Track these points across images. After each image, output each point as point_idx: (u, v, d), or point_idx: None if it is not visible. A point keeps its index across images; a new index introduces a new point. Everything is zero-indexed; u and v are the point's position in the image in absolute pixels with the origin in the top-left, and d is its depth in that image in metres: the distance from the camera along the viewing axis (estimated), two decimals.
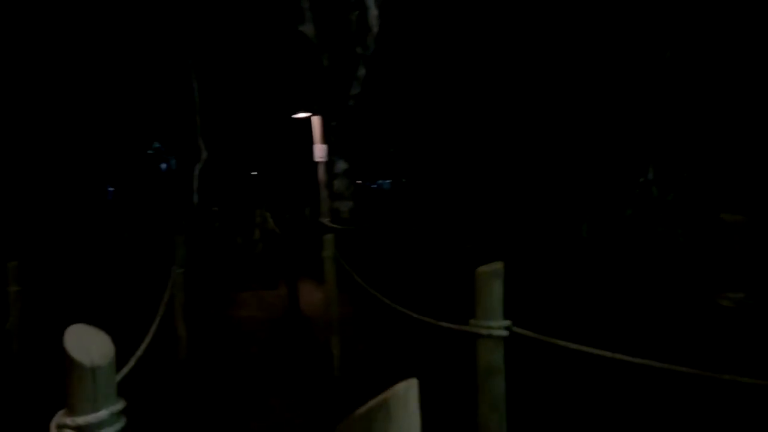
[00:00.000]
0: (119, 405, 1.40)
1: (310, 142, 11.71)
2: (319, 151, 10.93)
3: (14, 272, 4.34)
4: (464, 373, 2.42)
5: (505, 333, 2.29)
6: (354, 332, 5.96)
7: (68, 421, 1.34)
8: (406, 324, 4.21)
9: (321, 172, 11.23)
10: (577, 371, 4.02)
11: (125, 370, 2.26)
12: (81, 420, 1.32)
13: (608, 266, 7.97)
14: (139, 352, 2.70)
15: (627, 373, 3.17)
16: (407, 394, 0.70)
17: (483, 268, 2.30)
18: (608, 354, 2.18)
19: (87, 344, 1.48)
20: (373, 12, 14.19)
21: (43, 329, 6.13)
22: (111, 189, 38.86)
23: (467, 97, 16.45)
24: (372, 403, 0.71)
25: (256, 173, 31.26)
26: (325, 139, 11.24)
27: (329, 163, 11.62)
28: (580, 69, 12.66)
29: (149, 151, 32.49)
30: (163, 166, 36.09)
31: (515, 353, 2.50)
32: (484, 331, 2.27)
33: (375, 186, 32.15)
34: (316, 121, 11.18)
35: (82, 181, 26.81)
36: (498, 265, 2.31)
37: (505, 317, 2.30)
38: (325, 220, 10.82)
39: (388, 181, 33.86)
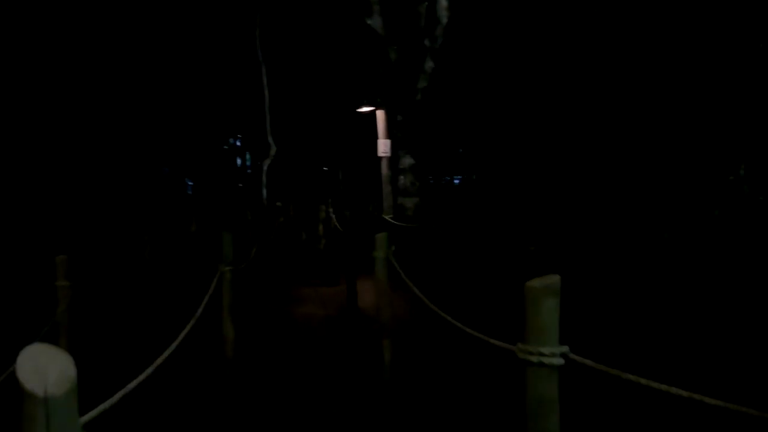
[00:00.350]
0: None
1: (374, 138, 11.50)
2: (383, 146, 10.70)
3: (63, 267, 4.32)
4: (518, 395, 2.09)
5: (559, 361, 1.91)
6: (408, 336, 5.65)
7: None
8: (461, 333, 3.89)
9: (384, 168, 11.00)
10: (650, 408, 3.54)
11: (132, 384, 2.06)
12: None
13: (695, 275, 7.26)
14: (158, 360, 2.51)
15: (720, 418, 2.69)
16: None
17: (534, 283, 1.93)
18: (685, 393, 1.76)
19: (44, 369, 1.24)
20: (443, 3, 13.79)
21: (92, 324, 6.23)
22: (190, 183, 40.49)
23: (541, 92, 15.74)
24: None
25: (327, 169, 31.55)
26: (390, 133, 11.00)
27: (394, 159, 11.37)
28: (663, 61, 11.76)
29: (225, 147, 33.53)
30: (239, 161, 37.20)
31: (577, 382, 2.12)
32: (534, 359, 1.91)
33: (445, 181, 31.68)
34: (380, 116, 10.95)
35: (162, 175, 27.97)
36: (552, 279, 1.93)
37: (571, 337, 1.93)
38: (388, 217, 10.57)
39: (458, 177, 33.31)
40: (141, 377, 2.54)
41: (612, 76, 13.11)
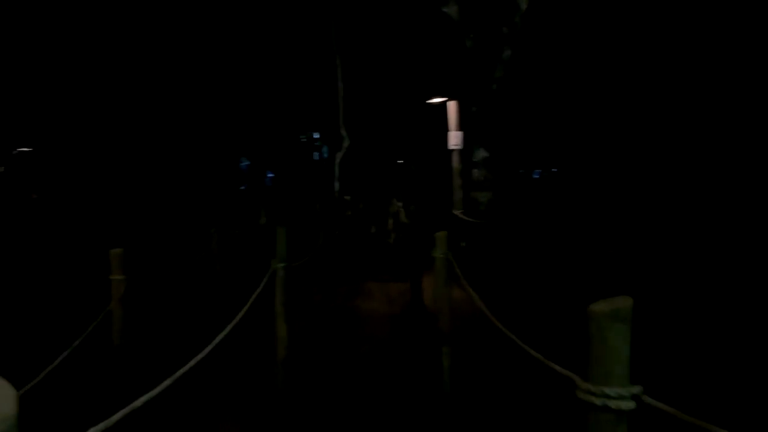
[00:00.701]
0: None
1: (445, 130, 11.10)
2: (454, 138, 10.28)
3: (117, 260, 4.28)
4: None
5: (629, 405, 1.53)
6: (471, 342, 5.29)
7: None
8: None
9: (455, 161, 10.58)
10: None
11: (141, 400, 1.87)
12: None
13: None
14: (180, 371, 2.31)
15: None
16: None
17: (599, 306, 1.55)
18: None
19: None
20: None
21: (147, 318, 6.25)
22: (270, 175, 41.51)
23: (631, 80, 14.69)
24: None
25: (401, 162, 31.31)
26: (462, 125, 10.57)
27: (465, 151, 10.93)
28: None
29: (302, 138, 34.03)
30: (316, 155, 37.69)
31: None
32: (598, 401, 1.53)
33: (522, 175, 30.65)
34: (451, 106, 10.53)
35: (239, 167, 28.74)
36: (622, 303, 1.55)
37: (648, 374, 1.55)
38: (458, 212, 10.17)
39: (537, 171, 32.13)
40: (154, 391, 2.36)
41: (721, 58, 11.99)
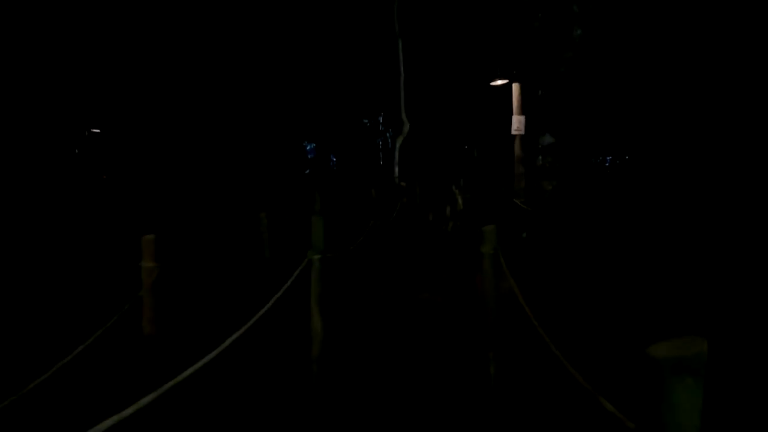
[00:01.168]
0: None
1: (509, 114, 10.53)
2: (517, 123, 9.69)
3: (149, 247, 4.13)
4: None
5: None
6: (521, 346, 4.85)
7: None
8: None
9: (518, 147, 10.00)
10: None
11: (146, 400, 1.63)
12: None
13: None
14: (198, 365, 2.07)
15: None
16: None
17: (660, 351, 1.15)
18: None
19: None
20: None
21: (179, 306, 6.12)
22: (334, 159, 41.74)
23: (714, 61, 13.51)
24: None
25: (466, 147, 30.62)
26: (526, 109, 9.97)
27: (529, 137, 10.35)
28: None
29: (365, 122, 33.86)
30: (379, 141, 37.49)
31: None
32: None
33: (592, 162, 29.30)
34: (515, 89, 9.94)
35: (300, 151, 28.92)
36: (692, 347, 1.14)
37: None
38: (519, 201, 9.63)
39: (609, 157, 30.65)
40: (164, 387, 2.14)
41: None
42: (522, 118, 9.63)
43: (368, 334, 5.60)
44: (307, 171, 37.51)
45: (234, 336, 3.24)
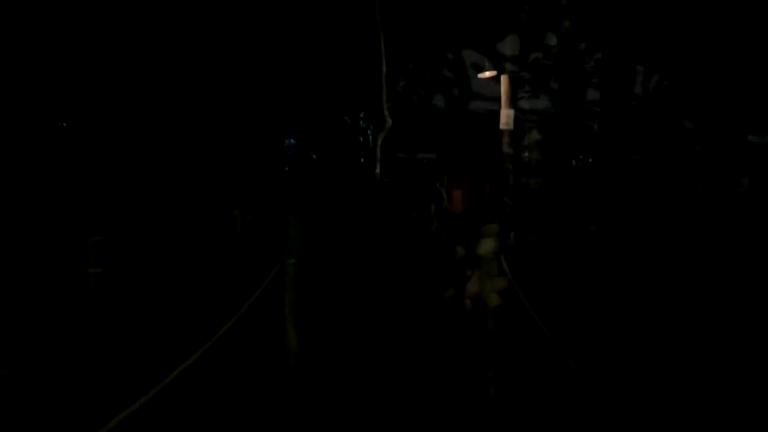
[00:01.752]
0: None
1: (493, 108, 10.07)
2: (506, 118, 9.24)
3: (96, 250, 3.55)
4: None
5: None
6: (524, 350, 4.33)
7: None
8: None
9: (506, 143, 9.54)
10: None
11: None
12: None
13: None
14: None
15: None
16: None
17: None
18: None
19: None
20: None
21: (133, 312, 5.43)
22: (314, 156, 41.04)
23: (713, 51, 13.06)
24: None
25: (452, 143, 30.17)
26: (514, 104, 9.52)
27: (516, 133, 9.89)
28: None
29: (346, 119, 33.29)
30: (360, 138, 36.85)
31: None
32: None
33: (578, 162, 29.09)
34: (504, 81, 9.47)
35: (281, 148, 28.32)
36: None
37: None
38: (507, 199, 9.18)
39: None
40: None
41: None
42: (511, 111, 9.18)
43: (344, 349, 4.94)
44: (287, 168, 36.75)
45: (181, 367, 2.70)
